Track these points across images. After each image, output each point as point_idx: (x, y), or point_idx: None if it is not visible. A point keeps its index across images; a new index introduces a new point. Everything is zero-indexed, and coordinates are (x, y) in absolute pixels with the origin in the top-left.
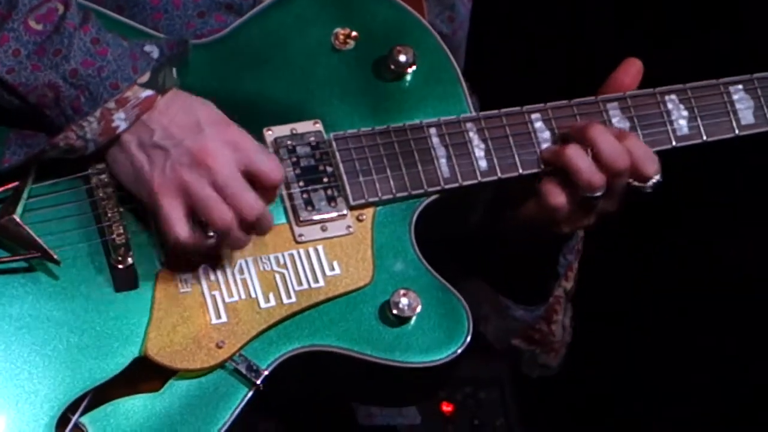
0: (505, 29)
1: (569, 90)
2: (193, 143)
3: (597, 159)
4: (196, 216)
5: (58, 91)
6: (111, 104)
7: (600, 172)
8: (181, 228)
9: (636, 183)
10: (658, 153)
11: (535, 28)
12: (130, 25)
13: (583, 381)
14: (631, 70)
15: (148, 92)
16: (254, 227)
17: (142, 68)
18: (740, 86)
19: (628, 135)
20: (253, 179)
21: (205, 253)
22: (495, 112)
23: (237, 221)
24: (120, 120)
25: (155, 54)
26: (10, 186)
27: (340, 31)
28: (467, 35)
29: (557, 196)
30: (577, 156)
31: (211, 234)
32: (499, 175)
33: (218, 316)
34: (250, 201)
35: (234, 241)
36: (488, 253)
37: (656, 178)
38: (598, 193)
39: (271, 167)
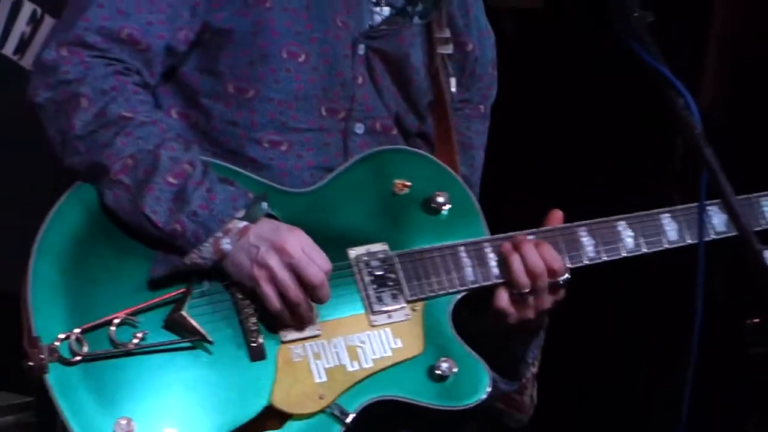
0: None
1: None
2: (276, 240)
3: (525, 265)
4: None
5: (185, 226)
6: (219, 234)
7: (526, 276)
8: (273, 302)
9: (551, 279)
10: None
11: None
12: (241, 173)
13: None
14: (555, 220)
15: (244, 223)
16: (319, 292)
17: (238, 206)
18: (668, 214)
19: (541, 243)
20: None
21: (299, 324)
22: (502, 235)
23: (304, 296)
24: (226, 244)
25: (251, 195)
26: (180, 291)
27: (398, 182)
28: (481, 174)
29: (501, 301)
30: (514, 261)
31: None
32: (493, 281)
33: (320, 377)
34: (315, 272)
35: (304, 310)
36: (483, 338)
37: (565, 275)
38: (525, 290)
39: (321, 256)
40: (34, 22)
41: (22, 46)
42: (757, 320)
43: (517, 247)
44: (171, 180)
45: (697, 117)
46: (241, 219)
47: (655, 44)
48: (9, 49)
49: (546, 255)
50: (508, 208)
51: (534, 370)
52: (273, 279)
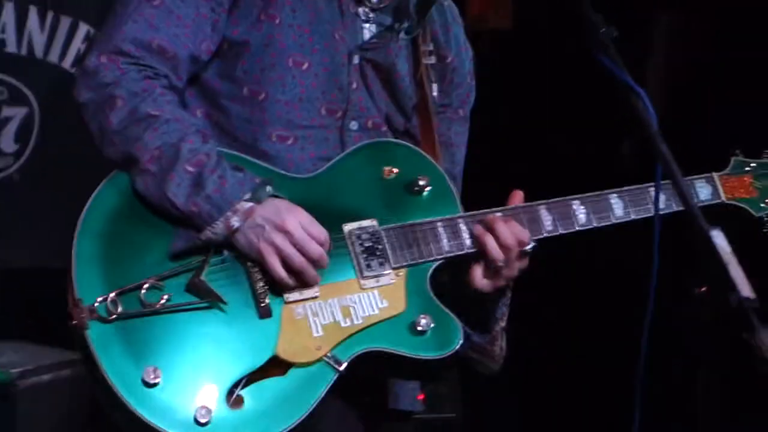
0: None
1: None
2: (278, 221)
3: (498, 241)
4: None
5: (200, 207)
6: (229, 213)
7: (500, 251)
8: (279, 272)
9: (520, 249)
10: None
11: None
12: (251, 162)
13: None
14: (517, 199)
15: (250, 204)
16: (319, 263)
17: (246, 190)
18: (615, 194)
19: (509, 220)
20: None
21: (301, 288)
22: (472, 212)
23: (308, 263)
24: (235, 221)
25: (257, 180)
26: (199, 261)
27: (386, 168)
28: (463, 169)
29: (476, 275)
30: (488, 239)
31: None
32: (465, 251)
33: (317, 332)
34: (315, 248)
35: (309, 276)
36: (459, 299)
37: (531, 245)
38: (500, 264)
39: (318, 230)
40: (88, 39)
41: (79, 60)
42: (704, 289)
43: (489, 228)
44: (189, 168)
45: (653, 116)
46: (248, 200)
47: (618, 56)
48: (67, 63)
49: (514, 230)
50: (481, 191)
51: (503, 324)
52: (278, 253)
